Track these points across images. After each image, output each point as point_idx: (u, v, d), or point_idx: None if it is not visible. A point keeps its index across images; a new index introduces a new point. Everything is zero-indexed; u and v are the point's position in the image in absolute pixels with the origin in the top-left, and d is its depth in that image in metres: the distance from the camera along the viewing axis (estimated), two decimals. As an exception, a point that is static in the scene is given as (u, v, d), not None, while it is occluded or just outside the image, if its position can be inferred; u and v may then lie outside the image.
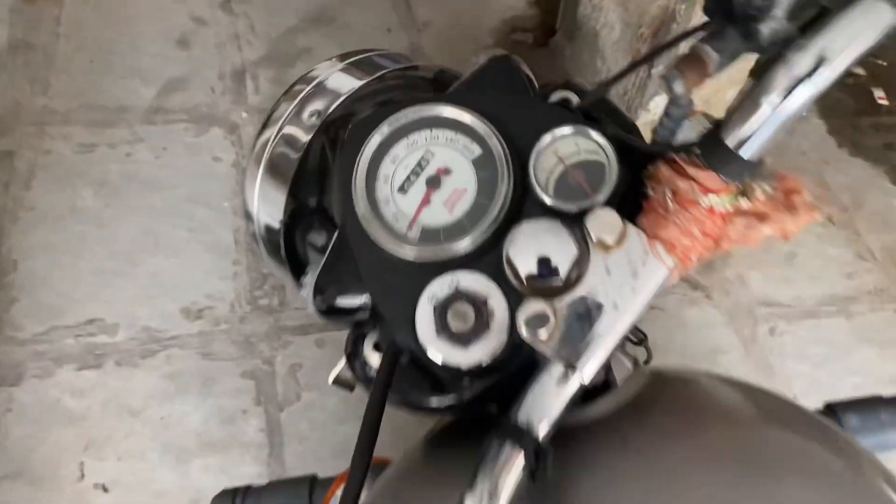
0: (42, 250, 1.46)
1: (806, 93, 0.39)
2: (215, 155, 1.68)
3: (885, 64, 2.24)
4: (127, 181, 1.61)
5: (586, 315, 0.42)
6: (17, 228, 1.48)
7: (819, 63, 0.39)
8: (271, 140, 0.62)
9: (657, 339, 1.54)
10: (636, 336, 1.07)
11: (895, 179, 1.93)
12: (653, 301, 0.44)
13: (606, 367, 0.55)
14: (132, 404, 1.30)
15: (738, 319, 1.56)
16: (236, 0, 2.04)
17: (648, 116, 1.63)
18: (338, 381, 0.59)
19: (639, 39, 1.58)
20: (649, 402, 0.52)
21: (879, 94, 2.17)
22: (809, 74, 0.39)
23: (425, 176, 0.48)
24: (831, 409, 0.71)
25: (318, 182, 0.60)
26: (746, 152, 0.41)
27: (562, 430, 0.44)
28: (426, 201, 0.47)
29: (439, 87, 0.64)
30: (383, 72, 0.63)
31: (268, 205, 0.61)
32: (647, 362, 1.08)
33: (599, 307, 0.42)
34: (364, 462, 0.41)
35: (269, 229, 0.62)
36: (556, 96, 0.51)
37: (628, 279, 0.43)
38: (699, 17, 1.48)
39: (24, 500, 1.18)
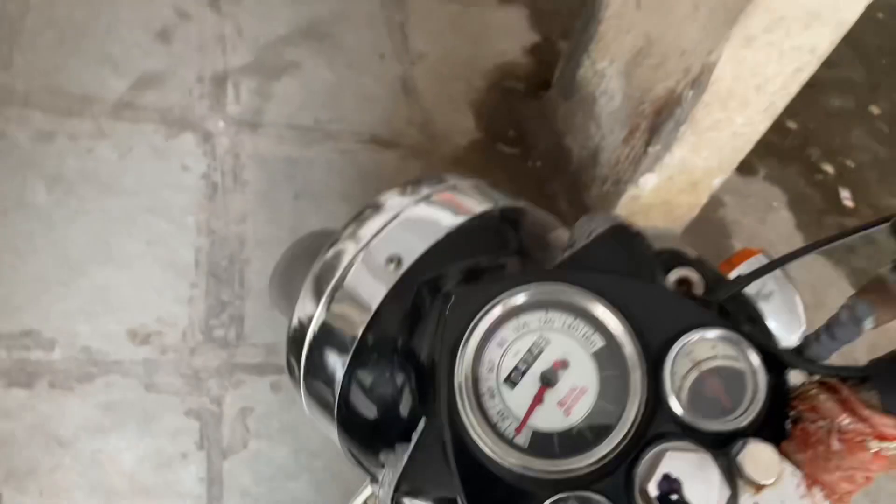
0: (-20, 246, 1.33)
1: None
2: (184, 163, 1.58)
3: (853, 165, 2.31)
4: (84, 180, 1.49)
5: None
6: (-44, 217, 1.35)
7: None
8: (331, 284, 0.50)
9: None
10: None
11: (854, 283, 1.98)
12: None
13: None
14: (62, 434, 1.18)
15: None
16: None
17: (637, 191, 1.62)
18: None
19: (639, 115, 1.57)
20: None
21: (845, 195, 2.23)
22: None
23: (539, 368, 0.40)
24: None
25: (404, 335, 0.48)
26: None
27: None
28: (539, 399, 0.39)
29: (524, 240, 0.54)
30: (476, 214, 0.52)
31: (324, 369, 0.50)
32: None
33: None
34: None
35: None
36: (675, 274, 0.45)
37: None
38: (707, 108, 1.45)
39: (-77, 534, 1.06)
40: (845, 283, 1.96)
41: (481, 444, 0.38)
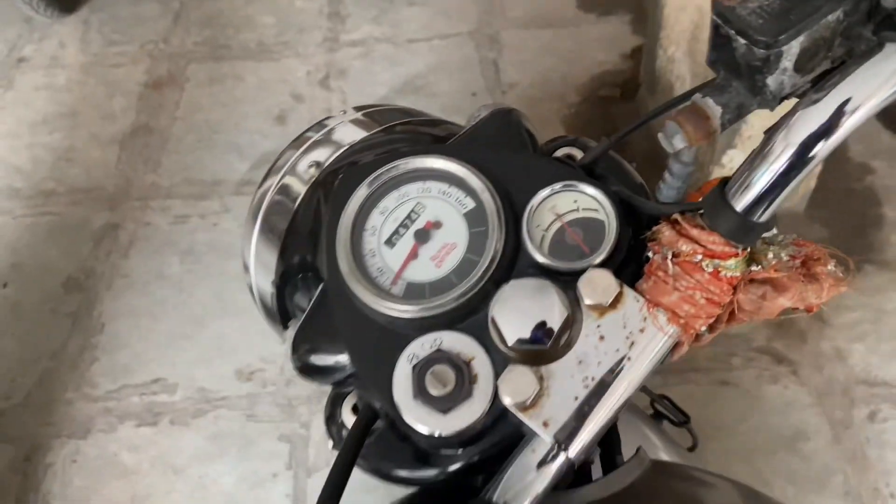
0: (127, 314, 1.62)
1: (821, 149, 0.36)
2: (291, 223, 1.78)
3: None
4: (209, 249, 1.74)
5: (577, 384, 0.39)
6: (110, 294, 1.66)
7: (837, 116, 0.35)
8: (270, 190, 0.61)
9: (725, 419, 1.37)
10: (676, 417, 0.97)
11: None
12: (651, 374, 0.41)
13: (605, 450, 0.52)
14: (177, 462, 1.37)
15: (830, 400, 1.35)
16: (334, 77, 2.17)
17: (722, 171, 1.48)
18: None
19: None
20: (643, 497, 0.49)
21: None
22: (826, 130, 0.35)
23: (414, 228, 0.46)
24: None
25: (311, 239, 0.59)
26: (755, 214, 0.38)
27: None
28: (413, 255, 0.45)
29: (444, 141, 0.63)
30: (389, 124, 0.62)
31: (261, 265, 0.62)
32: (692, 449, 0.96)
33: (591, 377, 0.40)
34: None
35: (262, 289, 0.63)
36: (560, 152, 0.49)
37: (623, 347, 0.40)
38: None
39: (70, 548, 1.29)
40: None
41: (361, 296, 0.44)
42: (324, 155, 0.58)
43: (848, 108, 0.35)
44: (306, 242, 0.57)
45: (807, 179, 1.57)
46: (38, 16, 2.31)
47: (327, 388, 1.61)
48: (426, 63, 2.18)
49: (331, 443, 0.52)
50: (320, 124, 0.63)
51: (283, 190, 0.59)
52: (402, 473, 0.44)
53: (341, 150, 0.58)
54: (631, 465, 0.48)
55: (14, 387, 1.50)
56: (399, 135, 0.61)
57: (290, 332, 0.49)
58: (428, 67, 2.17)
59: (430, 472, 0.44)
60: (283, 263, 0.58)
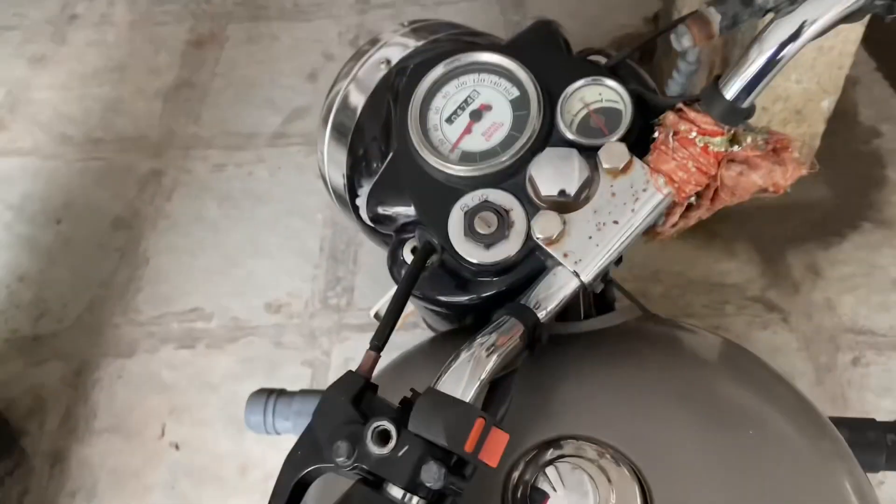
0: (169, 251, 1.76)
1: (790, 50, 0.47)
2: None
3: None
4: (245, 196, 1.87)
5: (591, 227, 0.50)
6: (155, 233, 1.80)
7: (802, 27, 0.46)
8: (339, 95, 0.74)
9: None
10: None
11: None
12: (648, 223, 0.51)
13: (602, 300, 0.67)
14: (212, 381, 1.52)
15: (816, 345, 1.43)
16: (364, 37, 2.27)
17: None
18: (377, 317, 0.74)
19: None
20: (633, 333, 0.62)
21: None
22: (794, 36, 0.46)
23: (469, 110, 0.57)
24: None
25: (380, 124, 0.70)
26: (740, 101, 0.48)
27: (557, 337, 0.54)
28: (468, 131, 0.56)
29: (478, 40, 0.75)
30: (441, 34, 0.74)
31: (333, 162, 0.75)
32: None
33: (602, 223, 0.50)
34: (390, 322, 0.50)
35: (334, 181, 0.76)
36: (590, 58, 0.61)
37: (630, 202, 0.51)
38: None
39: (115, 450, 1.44)
40: None
41: (427, 159, 0.55)
42: (393, 55, 0.70)
43: (809, 20, 0.46)
44: (374, 130, 0.69)
45: (810, 139, 1.63)
46: (89, -24, 2.46)
47: (354, 322, 1.73)
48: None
49: (373, 311, 0.68)
50: (374, 39, 0.75)
51: (350, 93, 0.72)
52: (448, 298, 0.55)
53: (407, 52, 0.70)
54: (623, 309, 0.62)
55: (66, 311, 1.66)
56: (451, 42, 0.73)
57: (365, 190, 0.62)
58: (455, 29, 2.25)
59: (470, 297, 0.54)
60: (352, 153, 0.71)
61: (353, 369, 0.46)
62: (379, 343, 0.48)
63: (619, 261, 0.64)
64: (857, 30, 1.41)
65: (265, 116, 2.07)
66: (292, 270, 1.70)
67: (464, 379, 0.44)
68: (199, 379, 1.52)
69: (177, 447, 1.44)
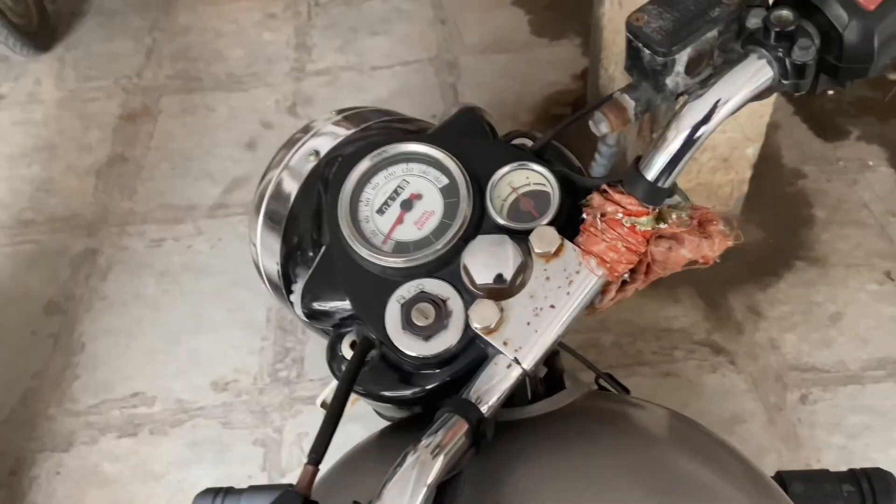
0: (106, 333, 1.69)
1: (705, 131, 0.48)
2: (262, 242, 1.87)
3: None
4: (184, 270, 1.83)
5: (529, 313, 0.51)
6: (90, 315, 1.73)
7: (714, 108, 0.47)
8: (271, 184, 0.73)
9: (669, 406, 1.46)
10: (618, 391, 1.07)
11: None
12: (585, 304, 0.52)
13: (550, 377, 0.67)
14: (156, 469, 1.45)
15: (764, 386, 1.46)
16: (301, 104, 2.28)
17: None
18: (324, 405, 0.74)
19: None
20: (582, 413, 0.62)
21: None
22: (707, 117, 0.47)
23: (400, 200, 0.58)
24: (779, 477, 0.74)
25: (311, 216, 0.70)
26: (661, 181, 0.49)
27: (505, 424, 0.54)
28: (400, 220, 0.57)
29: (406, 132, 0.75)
30: (372, 122, 0.74)
31: (266, 249, 0.73)
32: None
33: (539, 307, 0.51)
34: (328, 432, 0.49)
35: (268, 268, 0.75)
36: (515, 141, 0.62)
37: (564, 285, 0.52)
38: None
39: (55, 553, 1.35)
40: None
41: (360, 252, 0.55)
42: (323, 146, 0.71)
43: (720, 101, 0.47)
44: (307, 219, 0.69)
45: (739, 185, 1.69)
46: (14, 55, 2.41)
47: (305, 394, 1.70)
48: (389, 89, 2.30)
49: (320, 399, 0.68)
50: (306, 127, 0.75)
51: (282, 182, 0.71)
52: (390, 392, 0.55)
53: (337, 141, 0.70)
54: (572, 388, 0.62)
55: (-2, 406, 1.57)
56: (381, 129, 0.74)
57: (299, 286, 0.62)
58: (391, 93, 2.28)
59: (413, 390, 0.54)
60: (286, 242, 0.70)
61: (293, 484, 0.45)
62: (317, 456, 0.47)
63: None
64: (773, 80, 1.48)
65: (203, 188, 2.04)
66: (238, 344, 1.65)
67: (409, 487, 0.43)
68: (143, 469, 1.45)
69: (123, 544, 1.36)
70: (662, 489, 0.52)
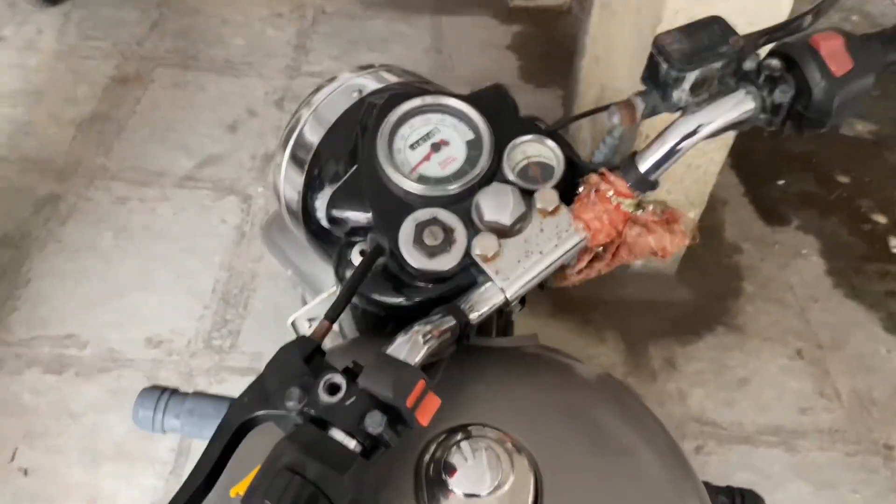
0: (53, 275, 1.73)
1: (689, 143, 0.59)
2: (224, 218, 1.93)
3: (907, 215, 2.19)
4: (143, 230, 1.88)
5: (521, 253, 0.60)
6: (41, 255, 1.77)
7: (699, 127, 0.59)
8: (303, 117, 0.80)
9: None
10: None
11: (889, 327, 1.85)
12: (565, 259, 0.61)
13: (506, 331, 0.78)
14: (74, 409, 1.48)
15: (665, 432, 1.54)
16: (289, 100, 2.36)
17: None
18: (294, 326, 0.84)
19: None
20: (539, 355, 0.72)
21: (895, 243, 2.10)
22: (692, 133, 0.59)
23: (431, 142, 0.67)
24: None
25: (346, 144, 0.76)
26: (650, 174, 0.60)
27: (473, 347, 0.64)
28: (427, 158, 0.66)
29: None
30: (408, 78, 0.83)
31: (289, 180, 0.81)
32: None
33: (530, 251, 0.60)
34: (346, 298, 0.56)
35: (289, 197, 0.82)
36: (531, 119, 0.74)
37: (554, 238, 0.61)
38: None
39: (-43, 469, 1.37)
40: (877, 326, 1.84)
41: (390, 175, 0.63)
42: (367, 85, 0.79)
43: (703, 123, 0.59)
44: (340, 145, 0.76)
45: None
46: (22, 1, 2.48)
47: (235, 365, 1.74)
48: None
49: (290, 319, 0.78)
50: (332, 78, 0.83)
51: (318, 115, 0.80)
52: (384, 298, 0.63)
53: (382, 85, 0.79)
54: (524, 337, 0.73)
55: (-69, 322, 1.59)
56: (420, 84, 0.83)
57: (325, 193, 0.71)
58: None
59: (403, 299, 0.63)
60: (309, 174, 0.78)
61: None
62: (333, 314, 0.55)
63: (523, 301, 0.73)
64: (721, 153, 1.60)
65: (178, 158, 2.11)
66: (180, 308, 1.70)
67: (402, 355, 0.52)
68: (61, 406, 1.48)
69: (25, 473, 1.38)
70: (592, 429, 0.62)
